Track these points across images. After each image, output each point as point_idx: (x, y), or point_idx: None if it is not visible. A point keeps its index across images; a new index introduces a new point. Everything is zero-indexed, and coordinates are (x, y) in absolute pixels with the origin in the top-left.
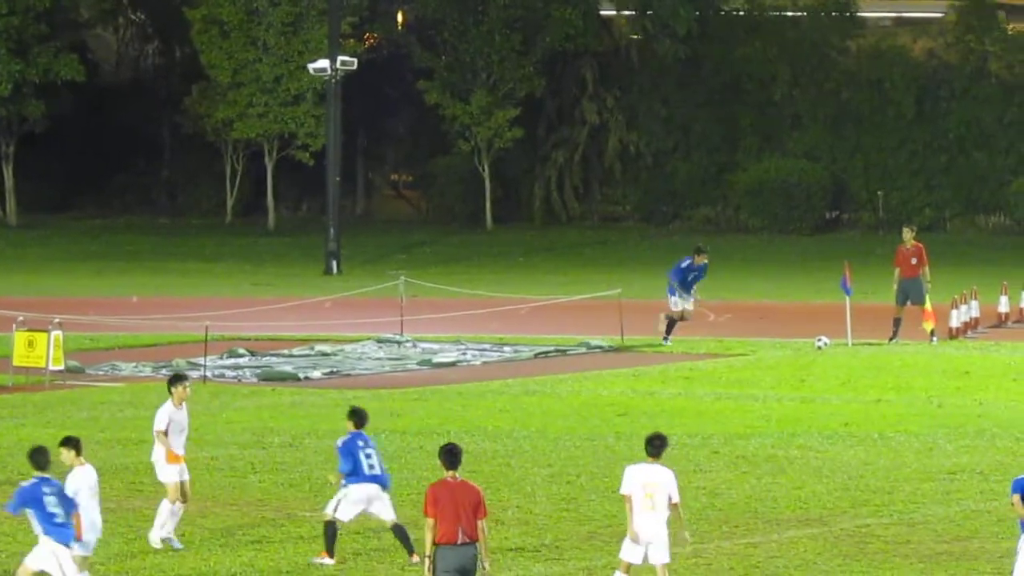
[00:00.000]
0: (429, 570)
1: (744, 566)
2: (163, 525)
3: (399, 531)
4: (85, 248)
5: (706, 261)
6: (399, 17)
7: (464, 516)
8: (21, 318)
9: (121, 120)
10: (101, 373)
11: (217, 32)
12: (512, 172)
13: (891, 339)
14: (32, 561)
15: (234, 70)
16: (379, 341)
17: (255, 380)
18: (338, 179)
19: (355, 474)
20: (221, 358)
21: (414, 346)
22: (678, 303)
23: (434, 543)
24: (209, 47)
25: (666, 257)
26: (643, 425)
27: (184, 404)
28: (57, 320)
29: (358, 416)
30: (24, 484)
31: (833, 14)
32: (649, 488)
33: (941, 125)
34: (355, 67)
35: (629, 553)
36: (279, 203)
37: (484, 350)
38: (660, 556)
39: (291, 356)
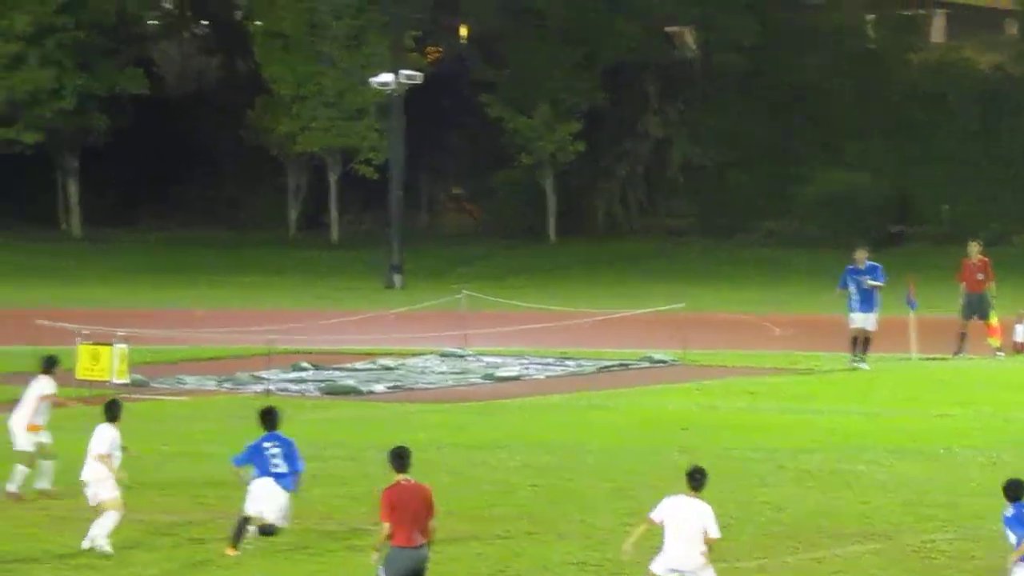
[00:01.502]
0: (377, 560)
1: None
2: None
3: (266, 530)
4: (148, 261)
5: (866, 259)
6: (461, 31)
7: (418, 518)
8: (86, 331)
9: (184, 133)
10: (165, 386)
11: (280, 45)
12: (575, 185)
13: (956, 353)
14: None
15: (297, 83)
16: (442, 355)
17: (318, 394)
18: (401, 193)
19: (258, 471)
20: (284, 372)
21: (477, 360)
22: (852, 318)
23: (387, 544)
24: (272, 60)
25: (728, 270)
26: (706, 440)
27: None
28: (121, 333)
29: (268, 417)
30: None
31: (897, 26)
32: (682, 520)
33: (1007, 138)
34: (418, 81)
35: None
36: (342, 217)
37: (547, 364)
38: None
39: (354, 370)
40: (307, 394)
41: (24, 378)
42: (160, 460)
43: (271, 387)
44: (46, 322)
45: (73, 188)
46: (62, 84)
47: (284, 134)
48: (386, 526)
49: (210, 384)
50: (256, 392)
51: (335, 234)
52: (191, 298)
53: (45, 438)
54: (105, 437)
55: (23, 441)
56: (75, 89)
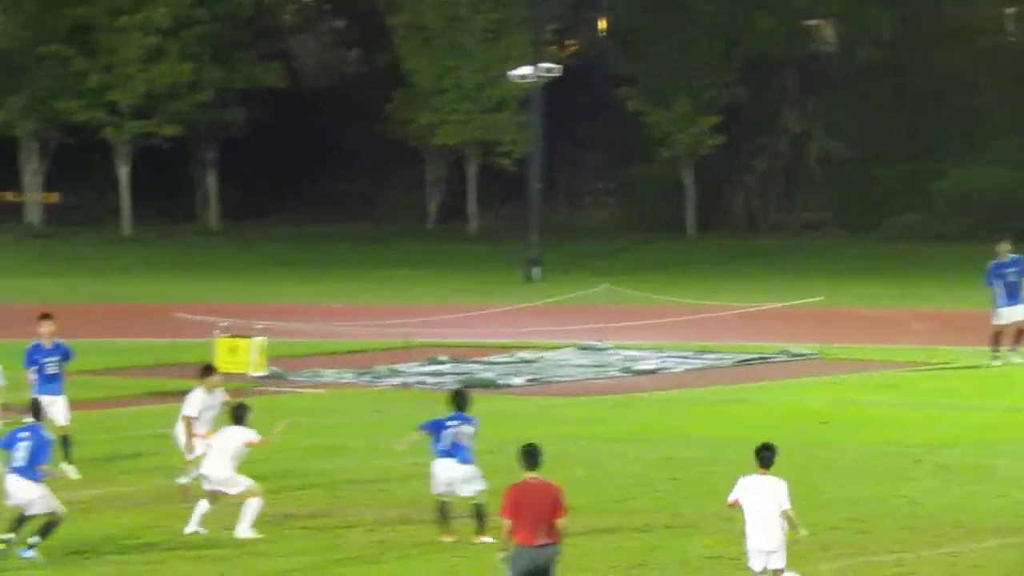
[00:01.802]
0: (504, 560)
1: (946, 575)
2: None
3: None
4: (285, 254)
5: (1010, 252)
6: (600, 24)
7: (541, 517)
8: (224, 324)
9: (322, 126)
10: (302, 379)
11: (419, 39)
12: (713, 179)
13: None
14: None
15: (436, 76)
16: (580, 348)
17: (456, 387)
18: (539, 186)
19: (437, 451)
20: (422, 365)
21: (615, 353)
22: (999, 313)
23: (512, 542)
24: (411, 53)
25: (867, 264)
26: (844, 434)
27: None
28: (259, 326)
29: (459, 398)
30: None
31: None
32: (757, 499)
33: None
34: (557, 74)
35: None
36: (480, 210)
37: (685, 357)
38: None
39: (492, 363)
40: (445, 387)
41: (165, 371)
42: (297, 453)
43: (409, 380)
44: (185, 315)
45: (211, 182)
46: (200, 77)
47: (423, 127)
48: (505, 523)
49: (348, 377)
50: (393, 385)
51: (473, 227)
52: (329, 291)
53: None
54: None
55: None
56: (213, 82)
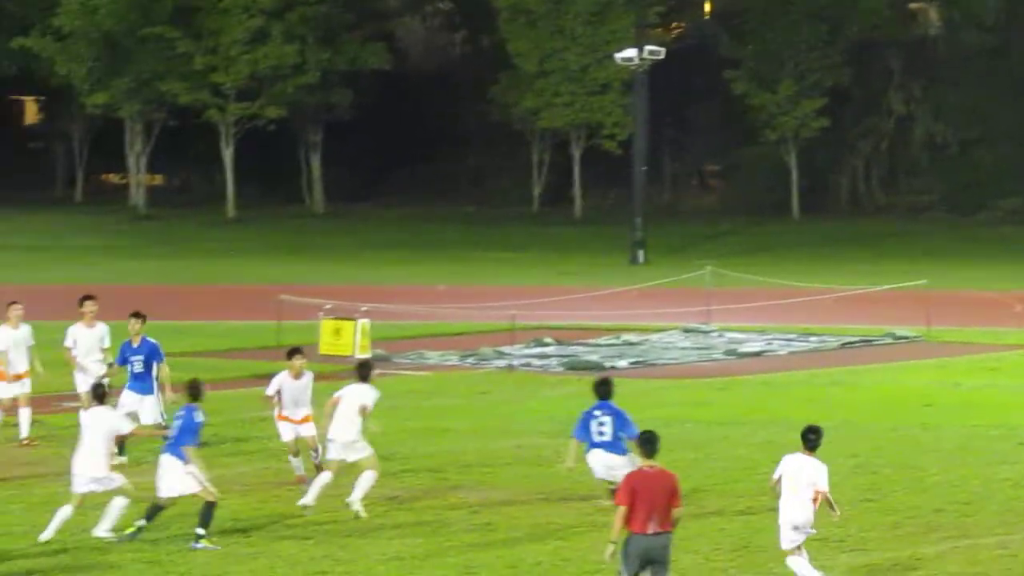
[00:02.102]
0: (612, 556)
1: None
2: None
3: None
4: (390, 236)
5: None
6: (706, 6)
7: (656, 506)
8: (329, 306)
9: (427, 109)
10: (407, 362)
11: (524, 21)
12: (818, 162)
13: None
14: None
15: (541, 59)
16: (685, 330)
17: (561, 369)
18: (644, 168)
19: (588, 443)
20: (527, 347)
21: (720, 336)
22: None
23: (625, 530)
24: (516, 36)
25: (972, 248)
26: (948, 417)
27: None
28: (364, 308)
29: (603, 386)
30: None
31: None
32: (797, 477)
33: None
34: (662, 57)
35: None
36: (585, 192)
37: (790, 340)
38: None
39: (597, 345)
40: (550, 370)
41: (269, 354)
42: (402, 436)
43: (514, 362)
44: (289, 298)
45: (316, 163)
46: (304, 59)
47: (528, 109)
48: (621, 509)
49: (452, 359)
50: (499, 368)
51: (578, 209)
52: (434, 274)
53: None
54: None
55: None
56: (317, 64)
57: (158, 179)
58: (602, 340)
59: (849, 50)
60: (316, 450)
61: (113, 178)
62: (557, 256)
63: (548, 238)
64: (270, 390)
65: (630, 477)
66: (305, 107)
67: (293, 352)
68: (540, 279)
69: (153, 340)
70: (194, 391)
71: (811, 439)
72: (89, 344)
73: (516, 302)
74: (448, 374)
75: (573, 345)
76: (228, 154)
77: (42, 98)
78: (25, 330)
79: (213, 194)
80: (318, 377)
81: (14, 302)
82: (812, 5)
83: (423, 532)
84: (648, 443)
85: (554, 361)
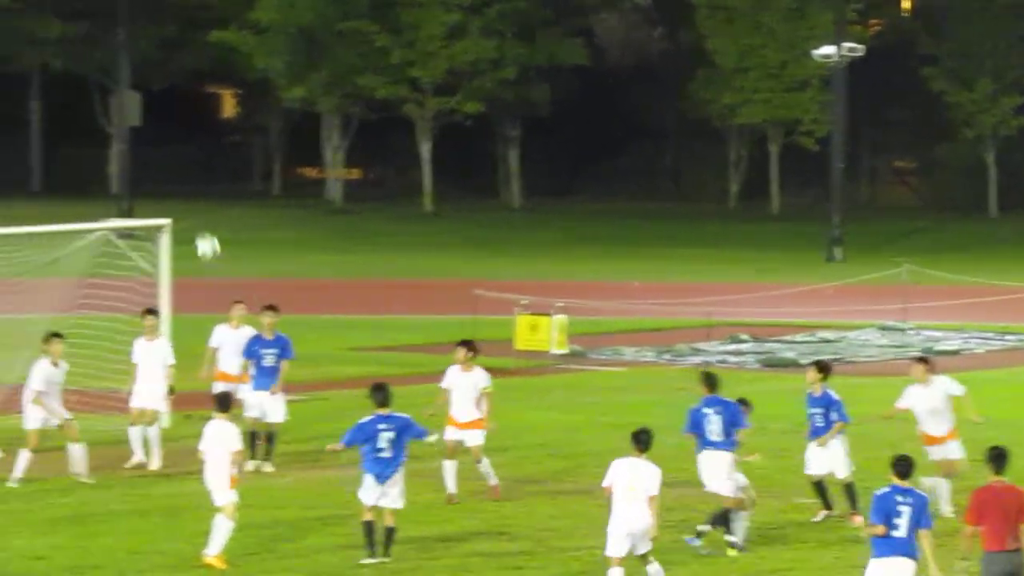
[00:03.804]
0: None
1: None
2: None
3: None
4: (586, 232)
5: None
6: (904, 3)
7: (1008, 520)
8: (524, 302)
9: (625, 105)
10: (603, 357)
11: (723, 18)
12: (1017, 159)
13: None
14: None
15: (739, 55)
16: (882, 328)
17: (757, 366)
18: (842, 165)
19: (700, 442)
20: (723, 344)
21: (917, 334)
22: None
23: (978, 549)
24: (715, 33)
25: None
26: None
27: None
28: (560, 304)
29: (709, 380)
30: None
31: None
32: (633, 482)
33: None
34: (860, 54)
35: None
36: (783, 189)
37: (988, 338)
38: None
39: (793, 342)
40: (746, 366)
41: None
42: (596, 430)
43: (710, 359)
44: (485, 292)
45: (513, 159)
46: (503, 54)
47: (725, 106)
48: (969, 528)
49: (648, 356)
50: (694, 364)
51: (775, 206)
52: (630, 270)
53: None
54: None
55: None
56: (516, 59)
57: (355, 173)
58: (798, 337)
59: None
60: (480, 461)
61: (310, 172)
62: (754, 253)
63: (745, 234)
64: (444, 382)
65: (978, 494)
66: (503, 102)
67: (463, 345)
68: (736, 276)
69: (286, 335)
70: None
71: (643, 440)
72: (151, 359)
73: (712, 298)
74: (644, 370)
75: (769, 342)
76: (425, 149)
77: (240, 92)
78: (247, 331)
79: (409, 189)
80: (513, 372)
81: (239, 301)
82: (1012, 3)
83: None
84: (999, 458)
85: (750, 358)
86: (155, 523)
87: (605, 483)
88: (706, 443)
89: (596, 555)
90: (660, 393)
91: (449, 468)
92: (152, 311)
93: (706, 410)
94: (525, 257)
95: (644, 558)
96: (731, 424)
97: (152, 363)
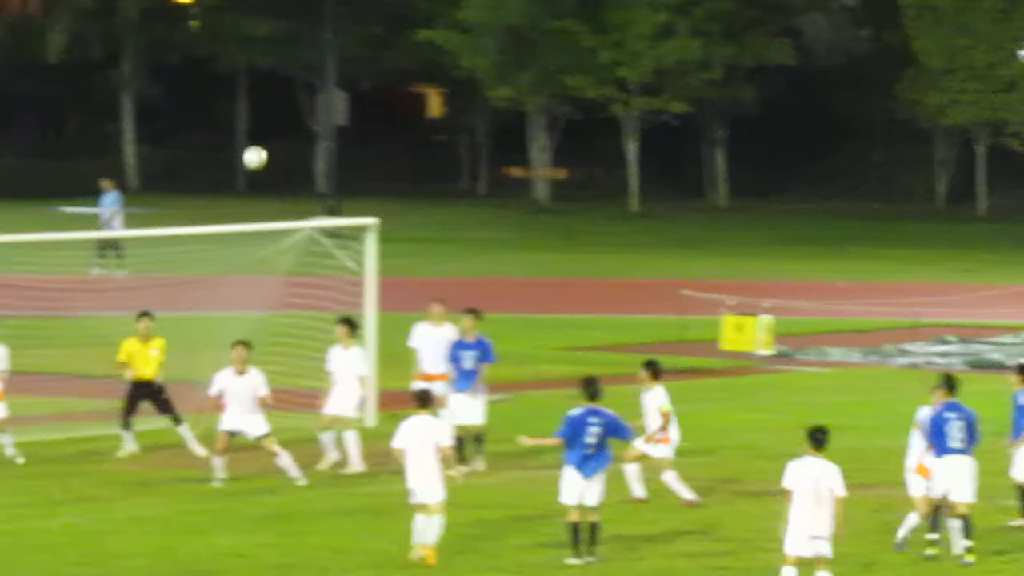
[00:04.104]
0: None
1: None
2: None
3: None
4: (792, 232)
5: None
6: None
7: None
8: (731, 302)
9: (831, 105)
10: (809, 358)
11: (930, 18)
12: None
13: None
14: None
15: (946, 56)
16: None
17: (964, 367)
18: None
19: (937, 450)
20: (930, 344)
21: None
22: None
23: None
24: (921, 33)
25: None
26: None
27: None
28: (766, 304)
29: (948, 382)
30: None
31: None
32: (817, 483)
33: None
34: None
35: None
36: (991, 190)
37: None
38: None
39: (1001, 344)
40: (953, 368)
41: (669, 348)
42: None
43: (916, 360)
44: (691, 292)
45: (720, 159)
46: (709, 54)
47: (932, 106)
48: None
49: (854, 356)
50: (901, 365)
51: (982, 207)
52: (835, 270)
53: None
54: None
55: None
56: (722, 59)
57: (561, 173)
58: (1006, 339)
59: None
60: (665, 474)
61: (516, 172)
62: (960, 253)
63: (951, 235)
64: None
65: None
66: (709, 102)
67: (648, 364)
68: (943, 276)
69: (487, 338)
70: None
71: (819, 438)
72: (345, 368)
73: (919, 299)
74: (850, 370)
75: (976, 343)
76: (631, 149)
77: (446, 91)
78: (448, 329)
79: (615, 189)
80: (718, 373)
81: (437, 299)
82: None
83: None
84: None
85: (957, 359)
86: (360, 522)
87: (786, 484)
88: (946, 449)
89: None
90: (866, 394)
91: (632, 472)
92: (346, 320)
93: (948, 415)
94: (731, 257)
95: (818, 563)
96: (971, 430)
97: (346, 371)
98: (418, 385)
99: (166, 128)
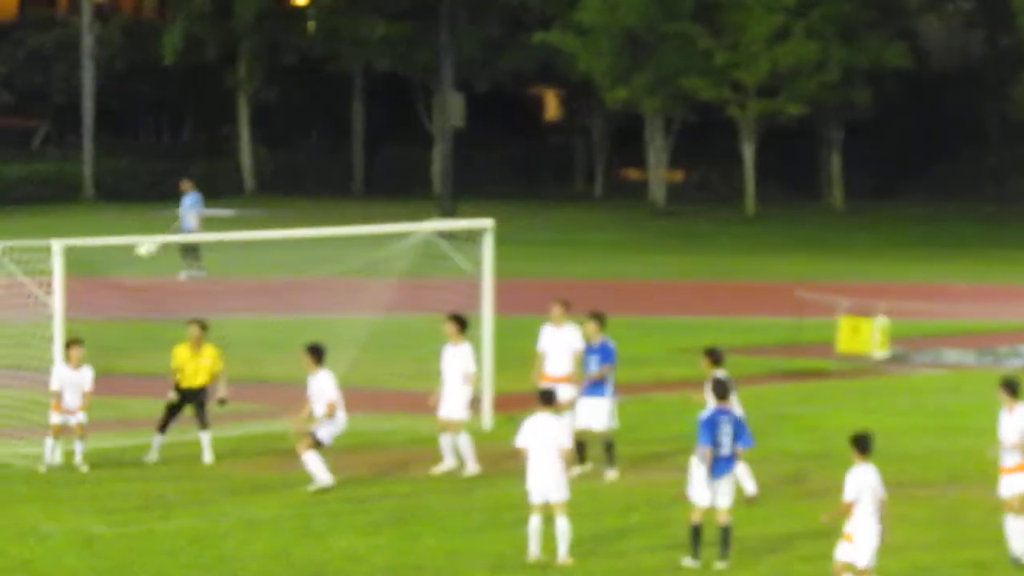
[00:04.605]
0: None
1: None
2: None
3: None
4: (909, 234)
5: None
6: None
7: None
8: (847, 304)
9: (948, 107)
10: (925, 360)
11: None
12: None
13: None
14: None
15: None
16: None
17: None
18: None
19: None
20: None
21: None
22: None
23: None
24: None
25: None
26: None
27: None
28: (883, 306)
29: (720, 388)
30: None
31: None
32: (875, 491)
33: None
34: None
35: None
36: None
37: None
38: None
39: None
40: None
41: (785, 350)
42: (917, 432)
43: None
44: (807, 295)
45: (836, 161)
46: (825, 57)
47: None
48: None
49: (970, 359)
50: (1017, 367)
51: None
52: (954, 272)
53: None
54: None
55: None
56: (838, 62)
57: (677, 175)
58: None
59: None
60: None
61: (632, 174)
62: None
63: None
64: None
65: None
66: (826, 105)
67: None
68: None
69: (610, 341)
70: (720, 391)
71: (863, 444)
72: (454, 366)
73: None
74: (966, 373)
75: None
76: (748, 151)
77: (562, 93)
78: (570, 331)
79: (732, 191)
80: (834, 375)
81: (559, 300)
82: None
83: (936, 525)
84: None
85: None
86: (476, 524)
87: (848, 497)
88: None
89: (918, 559)
90: (980, 396)
91: (741, 471)
92: (454, 317)
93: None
94: (848, 259)
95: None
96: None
97: (454, 370)
98: (544, 385)
99: (282, 130)
